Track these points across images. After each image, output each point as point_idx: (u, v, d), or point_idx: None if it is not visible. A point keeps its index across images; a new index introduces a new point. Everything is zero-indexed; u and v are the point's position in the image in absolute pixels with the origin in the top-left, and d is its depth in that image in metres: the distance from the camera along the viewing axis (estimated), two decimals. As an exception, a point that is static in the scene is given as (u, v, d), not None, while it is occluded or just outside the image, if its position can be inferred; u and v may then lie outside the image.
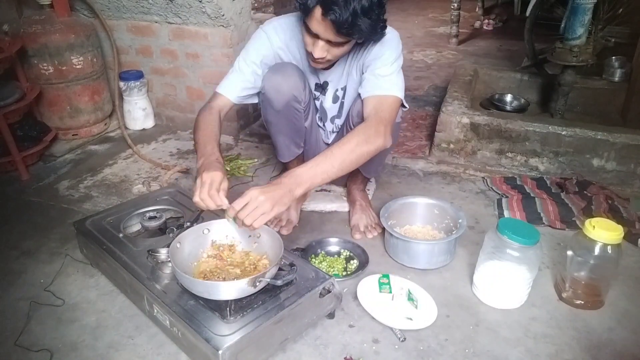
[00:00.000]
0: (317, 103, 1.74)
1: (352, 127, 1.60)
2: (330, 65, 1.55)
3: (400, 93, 1.48)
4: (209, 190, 1.25)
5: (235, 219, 1.22)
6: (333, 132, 1.80)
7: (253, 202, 1.19)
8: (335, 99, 1.70)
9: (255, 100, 1.64)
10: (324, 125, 1.80)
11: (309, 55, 1.44)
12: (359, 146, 1.33)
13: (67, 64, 2.39)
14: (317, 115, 1.77)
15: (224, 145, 2.46)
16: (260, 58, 1.55)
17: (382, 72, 1.46)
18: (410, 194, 1.90)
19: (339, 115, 1.74)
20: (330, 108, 1.73)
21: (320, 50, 1.38)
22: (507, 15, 4.97)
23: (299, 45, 1.56)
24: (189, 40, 2.49)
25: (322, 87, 1.68)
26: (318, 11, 1.28)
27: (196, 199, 1.26)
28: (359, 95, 1.53)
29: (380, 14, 1.33)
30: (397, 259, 1.61)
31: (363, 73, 1.53)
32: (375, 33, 1.38)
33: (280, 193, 1.21)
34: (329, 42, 1.36)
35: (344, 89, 1.66)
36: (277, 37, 1.55)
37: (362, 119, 1.47)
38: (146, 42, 2.61)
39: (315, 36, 1.35)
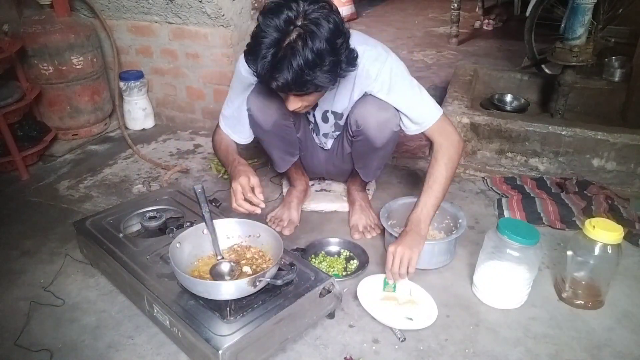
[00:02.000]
0: (310, 117, 1.70)
1: (352, 134, 1.59)
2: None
3: (438, 110, 1.50)
4: (243, 196, 1.34)
5: (386, 282, 1.46)
6: (329, 138, 1.76)
7: (397, 257, 1.40)
8: (325, 119, 1.66)
9: None
10: (318, 136, 1.77)
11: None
12: (448, 169, 1.48)
13: (67, 64, 2.39)
14: (312, 127, 1.75)
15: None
16: (242, 90, 1.56)
17: (418, 106, 1.48)
18: (410, 194, 1.90)
19: (337, 130, 1.70)
20: (322, 126, 1.69)
21: (292, 104, 1.34)
22: (507, 15, 4.97)
23: None
24: (189, 40, 2.49)
25: (313, 107, 1.64)
26: (267, 77, 1.23)
27: (234, 205, 1.36)
28: (355, 104, 1.52)
29: (337, 56, 1.22)
30: None
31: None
32: (336, 77, 1.27)
33: (411, 238, 1.44)
34: (296, 96, 1.32)
35: (335, 114, 1.61)
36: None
37: (360, 127, 1.52)
38: (146, 42, 2.61)
39: (283, 93, 1.33)
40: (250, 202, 1.34)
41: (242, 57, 1.48)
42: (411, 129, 1.52)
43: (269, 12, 1.19)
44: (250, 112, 1.56)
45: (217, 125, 1.64)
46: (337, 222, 1.86)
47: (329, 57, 1.20)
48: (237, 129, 1.62)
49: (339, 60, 1.23)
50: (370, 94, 1.48)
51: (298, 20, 1.18)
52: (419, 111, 1.49)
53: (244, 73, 1.50)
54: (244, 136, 1.63)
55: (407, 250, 1.40)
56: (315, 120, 1.69)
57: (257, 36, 1.20)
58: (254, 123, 1.58)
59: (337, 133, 1.72)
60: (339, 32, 1.21)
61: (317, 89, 1.27)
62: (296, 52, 1.16)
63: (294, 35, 1.17)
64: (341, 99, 1.55)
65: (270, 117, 1.54)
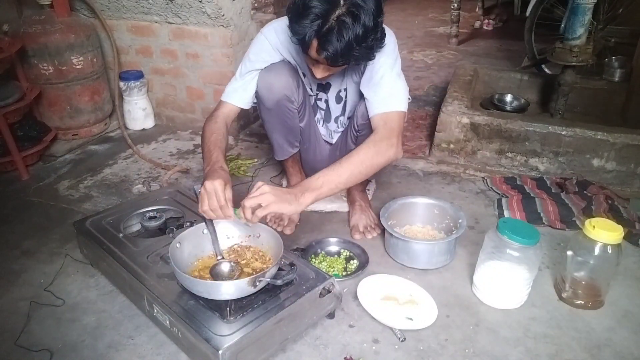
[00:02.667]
0: (321, 103, 1.74)
1: (357, 128, 1.61)
2: None
3: (404, 105, 1.47)
4: (214, 201, 1.25)
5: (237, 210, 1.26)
6: (336, 131, 1.80)
7: (257, 192, 1.21)
8: (338, 99, 1.71)
9: None
10: (326, 126, 1.80)
11: (310, 71, 1.44)
12: (369, 159, 1.35)
13: (67, 64, 2.39)
14: (321, 115, 1.77)
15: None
16: (261, 61, 1.57)
17: (384, 85, 1.45)
18: (410, 194, 1.90)
19: (342, 114, 1.75)
20: (335, 108, 1.74)
21: (321, 72, 1.40)
22: (507, 15, 4.97)
23: (298, 48, 1.56)
24: (189, 40, 2.49)
25: (324, 87, 1.69)
26: (314, 45, 1.28)
27: (204, 208, 1.26)
28: (362, 96, 1.53)
29: (377, 34, 1.29)
30: (397, 259, 1.61)
31: (361, 77, 1.52)
32: (374, 53, 1.36)
33: (286, 195, 1.23)
34: (328, 66, 1.37)
35: (346, 90, 1.67)
36: (277, 39, 1.56)
37: (366, 121, 1.50)
38: (146, 42, 2.61)
39: (315, 61, 1.36)
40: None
41: (268, 27, 1.56)
42: (370, 111, 1.47)
43: None
44: (257, 89, 1.57)
45: (212, 113, 1.58)
46: (337, 222, 1.86)
47: (372, 33, 1.27)
48: (238, 94, 1.58)
49: (378, 37, 1.31)
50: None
51: None
52: (386, 92, 1.45)
53: (271, 39, 1.55)
54: (245, 102, 1.59)
55: (269, 197, 1.20)
56: (327, 105, 1.72)
57: (307, 3, 1.24)
58: (259, 102, 1.60)
59: (343, 119, 1.74)
60: (381, 10, 1.27)
61: (357, 62, 1.34)
62: (347, 25, 1.22)
63: (343, 9, 1.22)
64: (343, 75, 1.62)
65: (274, 96, 1.55)
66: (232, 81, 1.61)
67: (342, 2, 1.22)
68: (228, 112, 1.57)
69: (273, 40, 1.56)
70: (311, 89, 1.70)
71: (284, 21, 1.55)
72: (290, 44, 1.56)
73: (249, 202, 1.20)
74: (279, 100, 1.57)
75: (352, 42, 1.24)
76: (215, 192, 1.24)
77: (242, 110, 1.62)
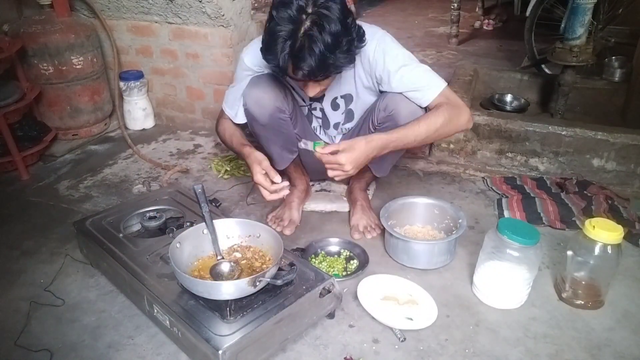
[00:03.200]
0: (317, 112, 1.73)
1: (378, 121, 1.59)
2: None
3: (443, 81, 1.50)
4: (266, 191, 1.41)
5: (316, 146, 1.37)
6: (338, 135, 1.79)
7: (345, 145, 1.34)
8: (335, 106, 1.68)
9: None
10: (325, 132, 1.79)
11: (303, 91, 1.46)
12: (443, 126, 1.43)
13: (67, 64, 2.39)
14: (319, 123, 1.76)
15: (224, 145, 2.46)
16: (250, 71, 1.60)
17: (415, 79, 1.47)
18: (410, 194, 1.90)
19: (348, 121, 1.73)
20: (333, 115, 1.72)
21: (312, 90, 1.41)
22: (507, 15, 4.96)
23: None
24: (189, 40, 2.49)
25: (319, 99, 1.67)
26: (290, 67, 1.29)
27: (267, 198, 1.43)
28: (370, 99, 1.61)
29: (350, 36, 1.29)
30: (397, 259, 1.61)
31: (379, 84, 1.54)
32: (353, 56, 1.35)
33: (366, 146, 1.37)
34: (314, 82, 1.37)
35: (345, 97, 1.65)
36: (257, 62, 1.54)
37: (390, 113, 1.51)
38: (146, 42, 2.61)
39: (300, 80, 1.37)
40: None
41: (246, 49, 1.58)
42: (422, 103, 1.50)
43: (280, 4, 1.23)
44: (246, 107, 1.57)
45: (220, 116, 1.69)
46: (337, 222, 1.85)
47: (344, 37, 1.26)
48: (235, 108, 1.63)
49: (352, 38, 1.30)
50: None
51: (308, 7, 1.22)
52: (422, 81, 1.48)
53: (248, 64, 1.57)
54: (242, 117, 1.64)
55: (351, 166, 1.36)
56: (323, 113, 1.71)
57: (272, 31, 1.24)
58: (250, 118, 1.60)
59: (349, 125, 1.73)
60: (347, 12, 1.27)
61: (338, 70, 1.34)
62: (315, 38, 1.21)
63: (307, 23, 1.22)
64: (347, 82, 1.60)
65: (266, 110, 1.55)
66: (229, 93, 1.65)
67: (304, 17, 1.22)
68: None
69: (254, 66, 1.57)
70: (303, 100, 1.69)
71: (252, 53, 1.55)
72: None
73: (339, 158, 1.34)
74: (271, 113, 1.56)
75: (324, 52, 1.23)
76: (261, 184, 1.40)
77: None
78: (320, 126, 1.77)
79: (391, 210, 1.69)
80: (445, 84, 1.49)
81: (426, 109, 1.50)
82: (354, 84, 1.60)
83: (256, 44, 1.51)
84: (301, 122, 1.71)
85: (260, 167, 1.41)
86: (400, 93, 1.50)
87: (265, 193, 1.43)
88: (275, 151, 1.70)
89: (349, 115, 1.70)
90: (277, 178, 1.40)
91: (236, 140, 1.58)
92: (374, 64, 1.49)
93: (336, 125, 1.75)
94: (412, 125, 1.42)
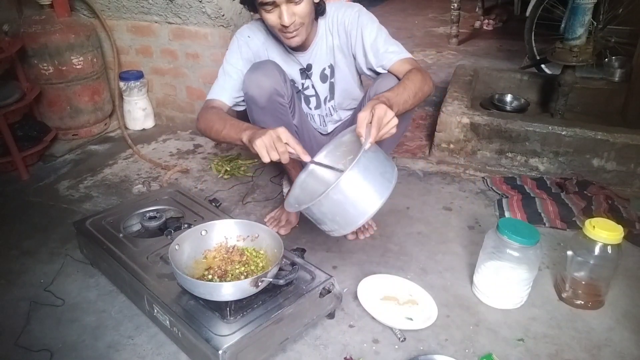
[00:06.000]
0: (309, 91, 1.74)
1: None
2: (306, 36, 1.54)
3: (407, 53, 1.56)
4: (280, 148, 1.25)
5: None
6: (328, 117, 1.80)
7: (380, 111, 1.21)
8: (324, 78, 1.71)
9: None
10: (318, 113, 1.80)
11: (282, 31, 1.47)
12: (422, 86, 1.43)
13: (67, 64, 2.39)
14: (314, 104, 1.77)
15: (224, 145, 2.46)
16: (242, 56, 1.62)
17: (381, 44, 1.53)
18: (410, 194, 1.90)
19: (331, 97, 1.75)
20: (322, 89, 1.74)
21: (286, 15, 1.41)
22: (507, 15, 4.96)
23: (275, 42, 1.64)
24: (189, 40, 2.49)
25: (306, 71, 1.70)
26: None
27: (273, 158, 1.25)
28: (353, 78, 1.68)
29: None
30: (341, 222, 1.23)
31: (355, 55, 1.61)
32: None
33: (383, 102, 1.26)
34: (288, 2, 1.39)
35: (332, 67, 1.68)
36: (255, 37, 1.63)
37: (378, 91, 1.49)
38: (146, 42, 2.61)
39: (273, 4, 1.40)
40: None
41: (242, 28, 1.66)
42: (385, 65, 1.54)
43: None
44: (245, 91, 1.58)
45: (203, 107, 1.59)
46: (337, 222, 1.85)
47: None
48: (223, 87, 1.62)
49: None
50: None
51: None
52: (387, 48, 1.54)
53: (248, 38, 1.63)
54: (229, 95, 1.61)
55: (390, 112, 1.23)
56: (315, 90, 1.73)
57: None
58: (250, 103, 1.60)
59: (333, 103, 1.76)
60: None
61: None
62: None
63: None
64: (328, 52, 1.65)
65: (265, 92, 1.55)
66: (217, 80, 1.64)
67: None
68: (220, 106, 1.60)
69: (250, 41, 1.63)
70: (296, 84, 1.72)
71: (257, 21, 1.64)
72: (267, 39, 1.64)
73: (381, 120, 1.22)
74: (270, 95, 1.56)
75: None
76: (279, 136, 1.25)
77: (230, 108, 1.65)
78: (314, 106, 1.78)
79: (296, 195, 1.42)
80: (410, 55, 1.57)
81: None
82: (333, 54, 1.65)
83: (253, 23, 1.66)
84: (299, 112, 1.72)
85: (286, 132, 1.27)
86: (386, 78, 1.53)
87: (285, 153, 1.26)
88: None
89: (332, 88, 1.73)
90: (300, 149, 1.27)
91: (232, 122, 1.45)
92: (349, 26, 1.57)
93: (325, 101, 1.76)
94: (401, 84, 1.43)
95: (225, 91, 1.60)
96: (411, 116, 1.70)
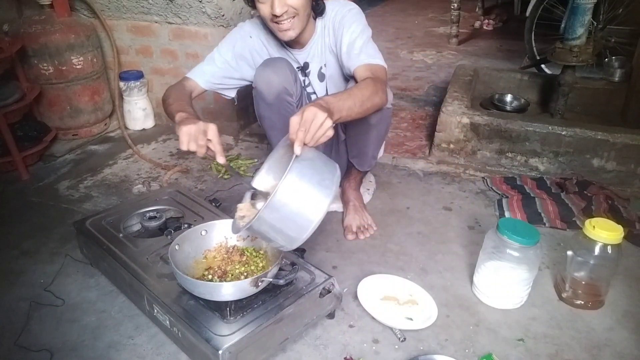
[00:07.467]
0: (310, 88, 1.75)
1: None
2: (300, 31, 1.53)
3: (383, 62, 1.52)
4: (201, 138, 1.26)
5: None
6: None
7: (308, 114, 1.10)
8: (321, 76, 1.72)
9: (229, 94, 1.72)
10: None
11: (274, 22, 1.47)
12: (371, 96, 1.34)
13: (67, 64, 2.39)
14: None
15: (224, 145, 2.46)
16: (234, 49, 1.63)
17: (358, 45, 1.51)
18: (411, 194, 1.90)
19: (326, 94, 1.74)
20: (320, 88, 1.74)
21: (278, 4, 1.41)
22: (507, 15, 4.97)
23: (275, 40, 1.65)
24: (189, 40, 2.49)
25: (303, 69, 1.71)
26: None
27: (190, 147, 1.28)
28: (341, 74, 1.63)
29: None
30: (286, 239, 1.13)
31: (338, 52, 1.60)
32: None
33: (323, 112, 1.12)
34: None
35: (326, 67, 1.70)
36: (257, 31, 1.65)
37: None
38: (146, 42, 2.61)
39: None
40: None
41: (248, 21, 1.67)
42: (351, 66, 1.51)
43: None
44: (255, 85, 1.60)
45: (176, 83, 1.62)
46: (336, 222, 1.85)
47: None
48: (203, 70, 1.63)
49: None
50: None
51: None
52: (361, 50, 1.51)
53: (251, 30, 1.65)
54: (205, 80, 1.63)
55: (323, 114, 1.10)
56: (314, 89, 1.74)
57: None
58: (258, 98, 1.62)
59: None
60: None
61: None
62: None
63: None
64: (323, 50, 1.66)
65: (274, 90, 1.57)
66: (202, 62, 1.65)
67: None
68: (193, 86, 1.62)
69: (253, 32, 1.65)
70: (301, 84, 1.73)
71: (255, 20, 1.66)
72: (268, 36, 1.64)
73: (308, 130, 1.10)
74: (279, 93, 1.58)
75: None
76: (204, 132, 1.27)
77: (242, 108, 1.64)
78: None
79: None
80: (382, 64, 1.50)
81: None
82: (326, 53, 1.66)
83: (257, 18, 1.66)
84: None
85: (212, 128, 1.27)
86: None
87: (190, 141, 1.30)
88: (275, 137, 1.70)
89: (326, 87, 1.74)
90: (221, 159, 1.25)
91: (187, 105, 1.45)
92: (337, 24, 1.57)
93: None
94: (347, 90, 1.34)
95: (204, 75, 1.63)
96: (390, 115, 1.67)
